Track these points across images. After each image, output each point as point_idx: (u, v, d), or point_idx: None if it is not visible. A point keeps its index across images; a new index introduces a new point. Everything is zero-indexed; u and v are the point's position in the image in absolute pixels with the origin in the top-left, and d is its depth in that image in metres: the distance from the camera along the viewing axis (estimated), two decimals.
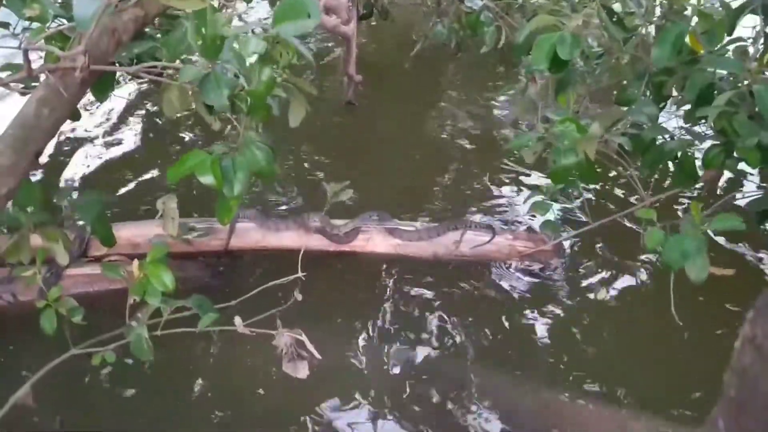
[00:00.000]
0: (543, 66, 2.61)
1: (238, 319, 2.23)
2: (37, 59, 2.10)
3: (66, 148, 4.61)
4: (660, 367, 2.93)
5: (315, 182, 4.14)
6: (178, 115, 2.31)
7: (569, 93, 2.83)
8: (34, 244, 2.41)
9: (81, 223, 3.12)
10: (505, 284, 3.36)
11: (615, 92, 3.47)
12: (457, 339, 3.04)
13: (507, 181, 4.25)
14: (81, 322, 2.31)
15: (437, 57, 6.01)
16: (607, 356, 2.97)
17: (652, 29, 3.06)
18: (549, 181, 3.18)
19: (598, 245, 3.58)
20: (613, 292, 3.31)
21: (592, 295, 3.28)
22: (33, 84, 2.15)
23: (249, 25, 1.97)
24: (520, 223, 3.79)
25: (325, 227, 3.40)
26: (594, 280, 3.39)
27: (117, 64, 2.22)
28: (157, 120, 5.03)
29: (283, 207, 3.96)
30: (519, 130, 4.80)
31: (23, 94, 2.19)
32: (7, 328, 3.02)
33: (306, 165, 4.42)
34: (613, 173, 4.00)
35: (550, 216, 3.36)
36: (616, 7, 3.07)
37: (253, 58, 1.87)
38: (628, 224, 3.52)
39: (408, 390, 2.79)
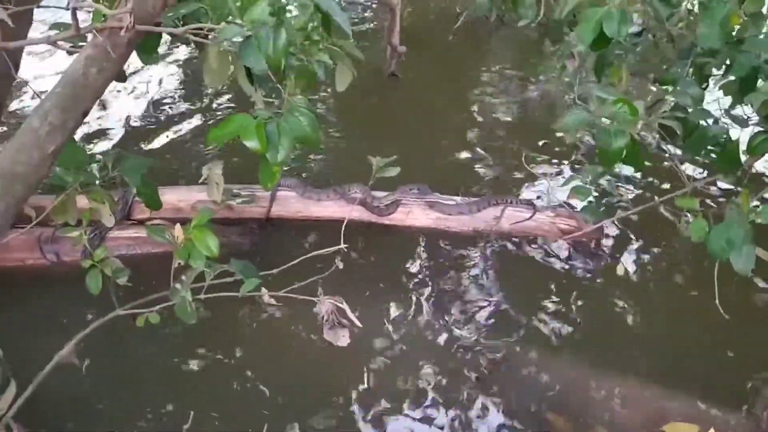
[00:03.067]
0: (587, 42, 2.51)
1: (264, 291, 2.23)
2: (84, 19, 2.09)
3: (108, 111, 4.65)
4: (698, 350, 2.88)
5: (355, 154, 4.10)
6: (221, 86, 2.28)
7: (622, 72, 2.70)
8: (80, 205, 2.44)
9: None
10: (544, 262, 3.31)
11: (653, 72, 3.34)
12: (496, 314, 3.01)
13: (547, 159, 4.17)
14: (126, 283, 2.34)
15: (480, 30, 5.92)
16: (643, 338, 2.92)
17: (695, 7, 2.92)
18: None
19: (636, 230, 3.50)
20: (650, 276, 3.25)
21: (630, 277, 3.22)
22: (80, 43, 2.15)
23: None
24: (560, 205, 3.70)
25: (366, 199, 3.37)
26: (631, 263, 3.32)
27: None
28: (203, 87, 5.04)
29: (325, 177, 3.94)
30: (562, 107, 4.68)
31: (70, 53, 2.19)
32: (51, 287, 3.08)
33: (347, 136, 4.39)
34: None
35: (590, 200, 3.24)
36: None
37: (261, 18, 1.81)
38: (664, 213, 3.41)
39: (446, 365, 2.77)
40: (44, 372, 2.23)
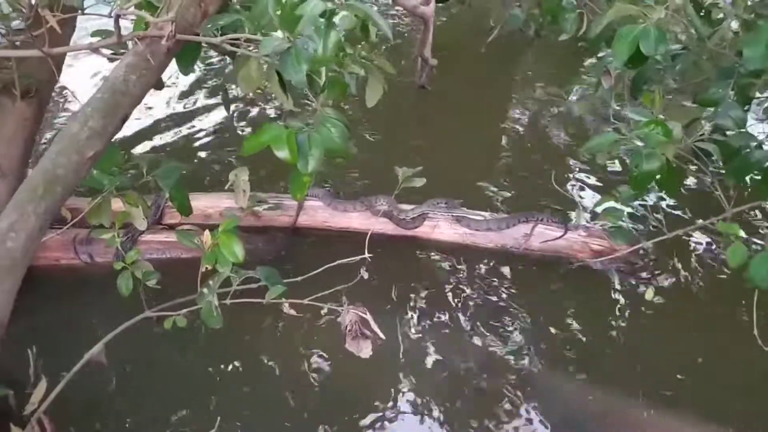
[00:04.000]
0: (622, 60, 2.49)
1: (284, 300, 2.27)
2: (124, 26, 2.16)
3: (142, 117, 4.76)
4: (728, 380, 2.81)
5: (384, 164, 4.12)
6: (252, 93, 2.33)
7: (655, 92, 2.66)
8: (114, 208, 2.50)
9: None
10: (572, 282, 3.28)
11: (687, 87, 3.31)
12: (520, 334, 2.99)
13: (578, 178, 4.14)
14: (155, 286, 2.39)
15: (513, 44, 5.90)
16: (672, 365, 2.86)
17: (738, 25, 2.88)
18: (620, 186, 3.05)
19: (670, 254, 3.44)
20: (684, 302, 3.18)
21: (662, 302, 3.16)
22: (121, 51, 2.21)
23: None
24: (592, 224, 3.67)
25: (393, 211, 3.39)
26: (664, 287, 3.26)
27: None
28: (232, 95, 5.12)
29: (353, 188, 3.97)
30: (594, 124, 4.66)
31: (111, 60, 2.26)
32: (83, 287, 3.15)
33: (375, 146, 4.43)
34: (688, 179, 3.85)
35: (622, 223, 3.19)
36: None
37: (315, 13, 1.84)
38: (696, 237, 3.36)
39: (464, 381, 2.77)
40: (74, 370, 2.29)
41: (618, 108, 2.95)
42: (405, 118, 4.84)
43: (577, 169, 4.25)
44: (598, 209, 3.22)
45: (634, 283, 3.26)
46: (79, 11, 2.49)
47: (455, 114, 4.97)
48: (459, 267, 3.35)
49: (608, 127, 2.62)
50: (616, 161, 4.00)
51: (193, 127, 4.72)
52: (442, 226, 3.44)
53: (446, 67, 5.12)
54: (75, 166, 1.93)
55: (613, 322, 3.06)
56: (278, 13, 1.76)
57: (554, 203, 3.84)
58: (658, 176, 2.49)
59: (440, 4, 5.60)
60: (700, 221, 3.06)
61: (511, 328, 3.02)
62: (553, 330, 3.01)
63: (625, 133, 2.58)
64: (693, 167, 2.86)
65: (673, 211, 3.77)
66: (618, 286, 3.24)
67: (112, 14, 1.93)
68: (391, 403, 2.65)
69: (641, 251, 3.34)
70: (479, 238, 3.41)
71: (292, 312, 2.34)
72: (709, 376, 2.81)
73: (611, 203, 3.14)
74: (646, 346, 2.95)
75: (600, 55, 4.82)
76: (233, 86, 5.17)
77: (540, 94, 5.26)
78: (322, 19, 1.82)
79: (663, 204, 3.81)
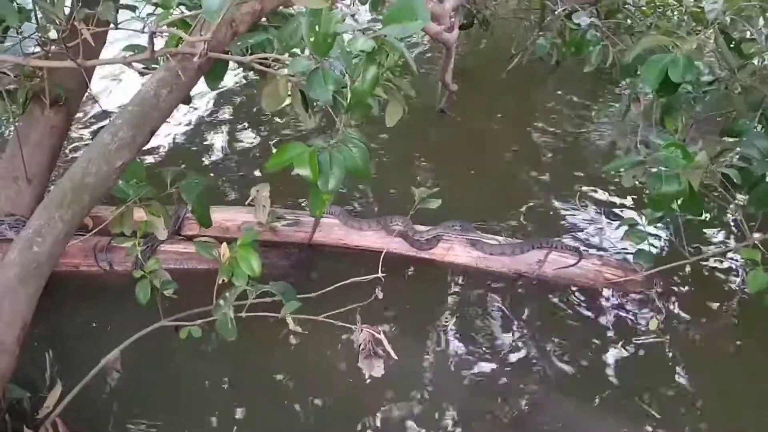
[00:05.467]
0: (651, 86, 2.54)
1: (290, 319, 2.30)
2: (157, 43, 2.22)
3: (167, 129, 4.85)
4: (740, 412, 2.79)
5: (401, 185, 4.17)
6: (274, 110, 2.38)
7: (677, 118, 2.71)
8: (136, 217, 2.56)
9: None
10: (586, 309, 3.28)
11: (722, 121, 3.33)
12: (531, 359, 3.00)
13: (599, 204, 4.15)
14: (172, 295, 2.43)
15: (534, 72, 5.95)
16: (684, 395, 2.85)
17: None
18: (644, 208, 3.07)
19: (689, 281, 3.44)
20: (697, 332, 3.17)
21: (675, 331, 3.15)
22: (153, 66, 2.28)
23: (359, 25, 2.01)
24: (606, 250, 3.68)
25: (408, 232, 3.42)
26: (679, 317, 3.25)
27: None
28: (253, 112, 5.20)
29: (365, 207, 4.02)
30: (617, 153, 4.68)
31: (142, 74, 2.33)
32: (101, 294, 3.20)
33: (393, 168, 4.47)
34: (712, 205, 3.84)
35: (645, 246, 3.19)
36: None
37: (359, 56, 1.92)
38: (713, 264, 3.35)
39: (474, 405, 2.78)
40: (89, 375, 2.33)
41: (644, 135, 2.98)
42: (423, 141, 4.87)
43: (599, 193, 4.26)
44: (621, 230, 3.21)
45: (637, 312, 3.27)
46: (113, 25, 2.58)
47: (474, 138, 5.01)
48: (472, 290, 3.37)
49: (635, 153, 2.66)
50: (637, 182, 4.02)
51: (214, 141, 4.80)
52: (456, 249, 3.46)
53: (467, 93, 5.17)
54: (103, 175, 2.00)
55: (626, 349, 3.06)
56: (312, 38, 1.81)
57: (573, 228, 3.86)
58: (679, 199, 2.53)
59: (463, 31, 5.68)
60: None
61: (523, 353, 3.02)
62: (565, 356, 3.01)
63: (647, 156, 2.62)
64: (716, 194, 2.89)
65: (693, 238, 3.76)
66: (623, 315, 3.24)
67: (146, 30, 1.99)
68: (400, 424, 2.66)
69: (654, 281, 3.34)
70: (493, 263, 3.43)
71: (298, 329, 2.37)
72: (726, 404, 2.81)
73: (634, 225, 3.17)
74: (658, 375, 2.94)
75: (625, 83, 4.87)
76: (259, 104, 5.25)
77: (560, 120, 5.30)
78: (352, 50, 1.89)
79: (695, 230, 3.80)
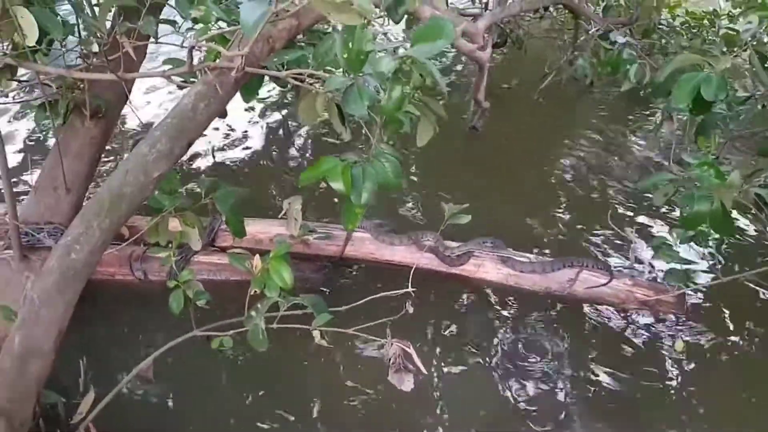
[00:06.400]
0: (683, 105, 2.52)
1: (316, 333, 2.31)
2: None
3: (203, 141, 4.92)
4: None
5: (431, 201, 4.17)
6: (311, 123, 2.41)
7: (711, 136, 2.68)
8: (170, 228, 2.60)
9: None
10: (618, 330, 3.24)
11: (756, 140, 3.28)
12: (559, 378, 2.97)
13: (631, 223, 4.10)
14: (205, 306, 2.46)
15: (566, 91, 5.95)
16: (717, 422, 2.79)
17: None
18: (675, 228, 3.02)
19: (722, 303, 3.38)
20: (728, 356, 3.11)
21: (707, 355, 3.10)
22: (191, 79, 2.32)
23: (392, 43, 2.02)
24: (637, 270, 3.63)
25: (439, 247, 3.41)
26: (712, 340, 3.19)
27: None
28: (285, 125, 5.26)
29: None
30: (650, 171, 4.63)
31: (180, 87, 2.37)
32: (135, 303, 3.24)
33: (424, 183, 4.47)
34: (745, 225, 3.78)
35: (677, 265, 3.16)
36: None
37: (389, 70, 1.92)
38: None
39: (502, 423, 2.76)
40: (123, 383, 2.36)
41: (678, 152, 2.94)
42: (454, 158, 4.88)
43: (631, 212, 4.22)
44: (652, 248, 3.18)
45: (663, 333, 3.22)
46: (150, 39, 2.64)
47: (505, 156, 5.01)
48: (502, 307, 3.35)
49: (667, 171, 2.64)
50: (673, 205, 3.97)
51: (247, 153, 4.86)
52: (487, 266, 3.44)
53: (499, 111, 5.16)
54: (141, 185, 2.03)
55: (655, 370, 3.01)
56: (345, 55, 1.83)
57: (604, 248, 3.82)
58: (710, 219, 2.49)
59: (496, 49, 5.69)
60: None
61: (551, 372, 2.99)
62: (594, 377, 2.97)
63: (680, 174, 2.60)
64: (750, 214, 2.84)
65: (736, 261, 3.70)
66: (654, 335, 3.19)
67: (185, 45, 2.04)
68: None
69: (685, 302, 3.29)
70: (523, 280, 3.40)
71: (323, 343, 2.37)
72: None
73: (666, 244, 3.13)
74: (692, 397, 2.89)
75: (660, 102, 4.83)
76: (288, 118, 5.34)
77: (592, 139, 5.26)
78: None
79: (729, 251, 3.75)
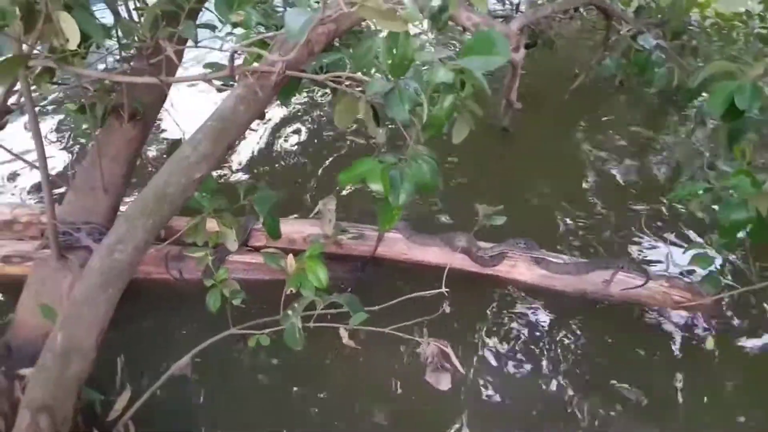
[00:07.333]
0: (717, 114, 2.50)
1: (343, 332, 2.34)
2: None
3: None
4: None
5: (464, 201, 4.16)
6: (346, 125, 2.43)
7: (744, 144, 2.65)
8: (207, 228, 2.64)
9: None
10: (655, 333, 3.21)
11: None
12: (599, 383, 2.95)
13: (664, 227, 4.06)
14: (240, 305, 2.49)
15: (597, 92, 5.89)
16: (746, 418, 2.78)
17: None
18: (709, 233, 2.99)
19: (756, 308, 3.35)
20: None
21: (743, 358, 3.07)
22: (231, 83, 2.36)
23: (437, 52, 2.04)
24: (672, 274, 3.58)
25: (471, 248, 3.41)
26: (747, 343, 3.17)
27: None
28: (320, 127, 5.29)
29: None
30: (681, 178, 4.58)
31: (220, 90, 2.41)
32: (171, 302, 3.27)
33: (454, 183, 4.47)
34: None
35: (712, 270, 3.11)
36: None
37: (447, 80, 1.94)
38: None
39: (534, 425, 2.75)
40: (161, 380, 2.40)
41: (710, 159, 2.91)
42: (487, 158, 4.86)
43: (664, 216, 4.18)
44: (688, 254, 3.16)
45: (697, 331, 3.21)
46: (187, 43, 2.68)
47: (537, 156, 4.98)
48: (536, 309, 3.34)
49: (701, 177, 2.62)
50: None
51: (282, 155, 4.90)
52: (520, 267, 3.43)
53: (530, 111, 5.14)
54: (183, 186, 2.07)
55: (693, 373, 3.00)
56: (389, 61, 1.85)
57: (637, 250, 3.80)
58: (749, 227, 2.48)
59: (526, 50, 5.66)
60: None
61: (584, 374, 2.98)
62: (628, 379, 2.95)
63: (714, 182, 2.58)
64: None
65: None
66: (689, 337, 3.17)
67: (224, 49, 2.07)
68: None
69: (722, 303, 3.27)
70: (557, 282, 3.38)
71: (351, 344, 2.39)
72: None
73: (702, 250, 3.09)
74: (721, 399, 2.88)
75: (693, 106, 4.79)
76: (323, 120, 5.37)
77: (624, 141, 5.21)
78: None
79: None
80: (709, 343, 3.05)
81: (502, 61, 1.88)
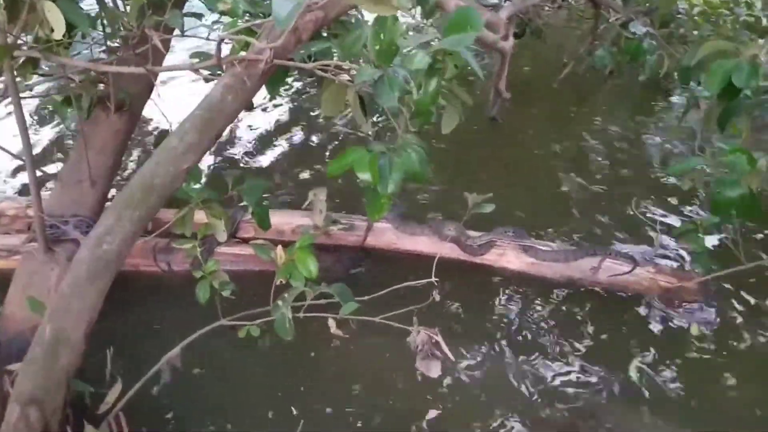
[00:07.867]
0: (714, 92, 2.52)
1: (331, 321, 2.33)
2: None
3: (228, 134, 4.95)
4: None
5: (452, 190, 4.17)
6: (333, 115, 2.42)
7: (744, 123, 2.67)
8: (195, 219, 2.62)
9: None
10: (642, 318, 3.23)
11: None
12: (583, 366, 2.97)
13: (654, 211, 4.08)
14: (230, 296, 2.48)
15: (585, 80, 5.91)
16: (741, 406, 2.79)
17: None
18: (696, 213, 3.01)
19: (745, 289, 3.38)
20: (759, 341, 3.11)
21: (731, 342, 3.09)
22: (218, 72, 2.34)
23: (424, 35, 2.03)
24: (663, 257, 3.62)
25: (460, 237, 3.41)
26: (735, 325, 3.19)
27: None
28: (307, 117, 5.27)
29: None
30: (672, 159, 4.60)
31: (207, 80, 2.39)
32: (159, 294, 3.27)
33: (443, 173, 4.46)
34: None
35: (702, 250, 3.13)
36: None
37: (421, 66, 1.94)
38: None
39: (526, 410, 2.76)
40: (150, 372, 2.39)
41: (701, 142, 2.93)
42: (475, 147, 4.86)
43: (653, 200, 4.20)
44: (677, 235, 3.18)
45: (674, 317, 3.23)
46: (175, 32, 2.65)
47: (525, 145, 4.99)
48: (525, 296, 3.35)
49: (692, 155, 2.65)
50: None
51: (269, 145, 4.87)
52: (509, 255, 3.44)
53: (519, 100, 5.14)
54: (170, 177, 2.06)
55: (679, 358, 3.02)
56: (377, 47, 1.84)
57: (626, 235, 3.81)
58: (739, 203, 2.52)
59: (515, 40, 5.67)
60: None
61: (575, 360, 2.99)
62: (620, 364, 2.97)
63: (709, 160, 2.60)
64: None
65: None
66: (679, 323, 3.19)
67: (211, 37, 2.05)
68: (452, 425, 2.67)
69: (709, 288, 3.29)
70: (545, 269, 3.40)
71: (339, 333, 2.39)
72: None
73: (691, 229, 3.13)
74: (713, 386, 2.89)
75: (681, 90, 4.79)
76: (309, 109, 5.34)
77: (613, 128, 5.23)
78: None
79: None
80: (693, 330, 3.08)
81: (474, 34, 1.87)
